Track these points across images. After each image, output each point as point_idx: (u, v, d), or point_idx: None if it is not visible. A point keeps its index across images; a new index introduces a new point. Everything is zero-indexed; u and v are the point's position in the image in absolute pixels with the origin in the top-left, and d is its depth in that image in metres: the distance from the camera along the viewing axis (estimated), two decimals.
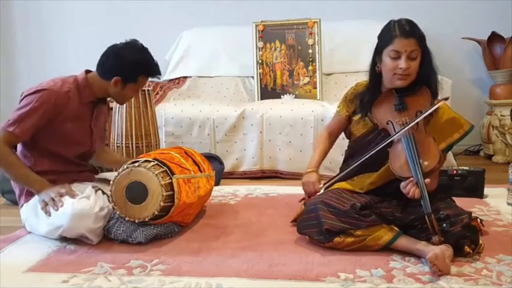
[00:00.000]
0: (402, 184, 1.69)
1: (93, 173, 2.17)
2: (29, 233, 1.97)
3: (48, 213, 1.80)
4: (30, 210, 1.93)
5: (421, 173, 1.66)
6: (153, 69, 2.02)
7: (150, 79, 2.15)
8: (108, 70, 1.97)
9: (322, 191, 1.93)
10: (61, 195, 1.80)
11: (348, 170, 1.89)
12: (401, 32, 1.76)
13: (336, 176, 1.94)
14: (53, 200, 1.80)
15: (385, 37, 1.80)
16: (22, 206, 1.98)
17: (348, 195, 1.80)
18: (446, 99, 1.85)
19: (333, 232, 1.69)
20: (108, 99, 2.15)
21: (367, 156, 1.80)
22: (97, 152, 2.25)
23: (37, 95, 1.87)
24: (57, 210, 1.78)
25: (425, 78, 1.81)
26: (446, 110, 1.86)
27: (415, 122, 1.74)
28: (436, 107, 1.77)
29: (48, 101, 1.87)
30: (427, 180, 1.65)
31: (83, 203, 1.79)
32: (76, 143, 2.02)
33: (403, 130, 1.74)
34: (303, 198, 1.99)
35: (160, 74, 2.08)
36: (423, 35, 1.79)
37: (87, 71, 2.03)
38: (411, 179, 1.67)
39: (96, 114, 2.08)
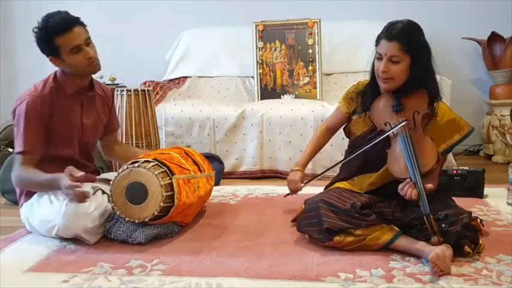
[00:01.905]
0: (400, 186, 1.69)
1: (95, 174, 2.16)
2: (29, 233, 1.97)
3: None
4: (29, 209, 1.93)
5: (419, 174, 1.66)
6: (56, 25, 1.82)
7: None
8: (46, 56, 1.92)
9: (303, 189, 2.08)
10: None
11: (342, 161, 1.94)
12: (386, 34, 1.76)
13: (322, 172, 2.09)
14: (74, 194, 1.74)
15: (378, 36, 1.80)
16: (22, 205, 1.98)
17: (348, 194, 1.80)
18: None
19: (333, 231, 1.69)
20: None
21: (362, 150, 1.80)
22: (110, 146, 2.23)
23: (22, 107, 1.86)
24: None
25: (417, 82, 1.79)
26: (447, 111, 1.86)
27: (401, 124, 1.75)
28: (402, 124, 1.75)
29: (35, 108, 1.87)
30: (429, 186, 1.65)
31: (76, 203, 1.78)
32: (70, 140, 2.00)
33: (397, 127, 1.74)
34: (287, 194, 2.15)
35: (70, 24, 1.83)
36: (414, 41, 1.74)
37: None
38: (407, 180, 1.67)
39: (88, 105, 2.04)
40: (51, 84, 1.94)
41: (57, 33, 1.83)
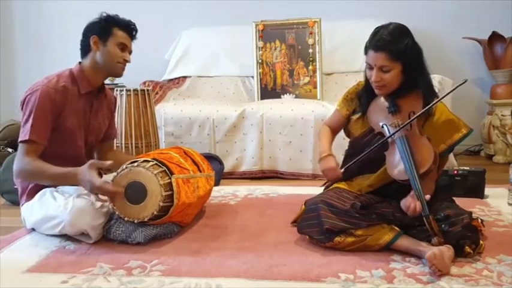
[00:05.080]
0: (403, 206, 1.66)
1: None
2: (29, 233, 1.96)
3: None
4: (31, 207, 1.92)
5: (417, 175, 1.65)
6: (124, 21, 2.01)
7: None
8: (85, 39, 1.98)
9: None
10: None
11: (347, 166, 1.86)
12: (372, 44, 1.74)
13: (350, 163, 1.86)
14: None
15: (365, 46, 1.78)
16: (23, 204, 1.98)
17: (348, 195, 1.79)
18: (464, 81, 1.71)
19: (334, 232, 1.69)
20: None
21: (363, 156, 1.78)
22: (104, 152, 2.22)
23: (35, 95, 1.85)
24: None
25: (410, 85, 1.78)
26: (445, 111, 1.85)
27: (407, 123, 1.73)
28: (428, 107, 1.74)
29: (48, 98, 1.86)
30: (428, 197, 1.63)
31: (84, 200, 1.80)
32: (76, 139, 1.99)
33: (395, 132, 1.74)
34: (326, 183, 2.01)
35: (134, 30, 2.03)
36: (401, 47, 1.71)
37: (80, 63, 2.02)
38: (412, 195, 1.64)
39: (96, 107, 2.06)
40: (66, 80, 1.95)
41: (119, 26, 1.99)
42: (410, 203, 1.63)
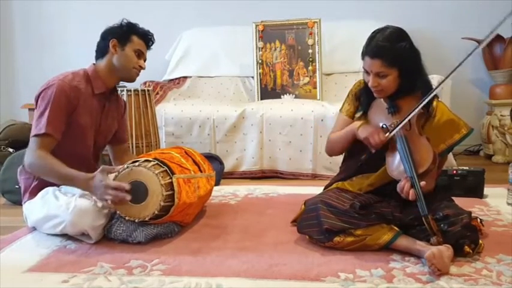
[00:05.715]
0: (398, 189, 1.67)
1: None
2: (29, 232, 1.97)
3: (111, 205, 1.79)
4: (33, 205, 1.93)
5: (416, 175, 1.65)
6: (143, 30, 2.06)
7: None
8: (104, 41, 2.01)
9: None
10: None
11: (390, 132, 1.78)
12: (368, 50, 1.74)
13: (390, 132, 1.75)
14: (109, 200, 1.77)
15: (362, 51, 1.78)
16: (25, 202, 1.98)
17: (347, 195, 1.80)
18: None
19: (333, 231, 1.69)
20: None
21: (397, 127, 1.75)
22: (119, 155, 2.24)
23: (51, 89, 1.87)
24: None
25: (408, 88, 1.78)
26: (446, 111, 1.86)
27: (406, 120, 1.73)
28: (423, 102, 1.71)
29: (64, 93, 1.87)
30: (423, 182, 1.64)
31: (86, 200, 1.81)
32: (86, 138, 2.00)
33: (394, 129, 1.74)
34: (365, 157, 1.84)
35: (151, 40, 2.08)
36: (397, 53, 1.70)
37: (94, 64, 2.06)
38: (404, 180, 1.66)
39: (108, 108, 2.08)
40: (80, 78, 1.97)
41: (138, 34, 2.04)
42: (404, 185, 1.64)
